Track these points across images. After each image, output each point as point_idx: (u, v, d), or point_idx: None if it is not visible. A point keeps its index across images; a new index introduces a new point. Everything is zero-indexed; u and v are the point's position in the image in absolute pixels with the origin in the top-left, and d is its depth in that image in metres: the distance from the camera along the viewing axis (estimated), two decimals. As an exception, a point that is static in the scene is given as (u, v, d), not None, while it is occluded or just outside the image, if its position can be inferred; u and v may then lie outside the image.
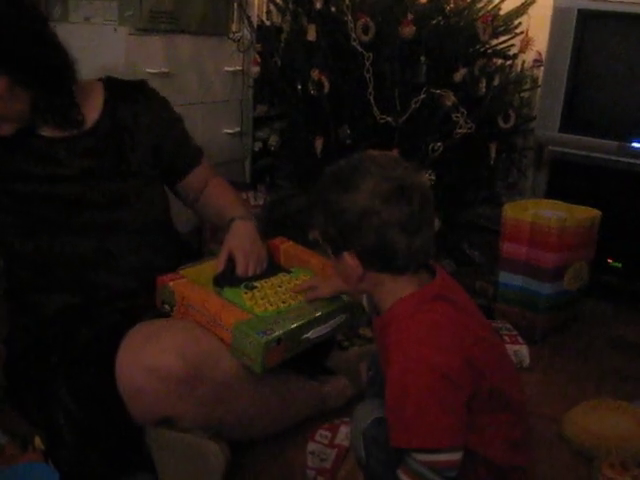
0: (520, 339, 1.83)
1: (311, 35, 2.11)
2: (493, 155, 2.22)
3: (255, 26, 2.40)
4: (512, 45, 2.30)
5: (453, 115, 2.05)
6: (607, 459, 1.33)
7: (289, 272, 1.44)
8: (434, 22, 2.16)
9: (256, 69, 2.25)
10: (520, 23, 2.27)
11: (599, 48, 2.09)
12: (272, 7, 2.55)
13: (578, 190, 2.15)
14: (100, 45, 2.02)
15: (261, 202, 2.41)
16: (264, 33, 2.37)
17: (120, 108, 1.41)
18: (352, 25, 2.04)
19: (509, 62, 2.34)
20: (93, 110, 1.39)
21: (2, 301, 1.44)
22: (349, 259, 1.02)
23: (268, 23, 2.55)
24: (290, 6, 2.29)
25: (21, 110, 1.28)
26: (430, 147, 2.07)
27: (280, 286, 1.38)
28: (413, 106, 2.04)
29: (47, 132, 1.34)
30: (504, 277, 1.98)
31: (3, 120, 1.28)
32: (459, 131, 2.06)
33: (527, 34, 2.13)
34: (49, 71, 1.28)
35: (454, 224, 2.32)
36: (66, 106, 1.32)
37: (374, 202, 0.97)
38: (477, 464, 1.04)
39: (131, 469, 1.25)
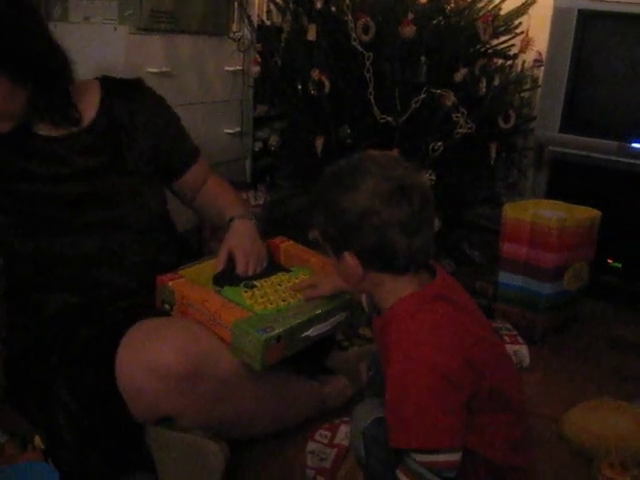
0: (520, 339, 1.83)
1: (311, 35, 2.11)
2: (493, 155, 2.22)
3: (255, 26, 2.40)
4: (512, 45, 2.30)
5: (453, 115, 2.05)
6: (607, 459, 1.33)
7: (289, 271, 1.44)
8: (434, 22, 2.16)
9: (256, 69, 2.25)
10: (520, 23, 2.27)
11: (599, 48, 2.09)
12: (272, 7, 2.55)
13: (578, 190, 2.15)
14: (100, 45, 2.01)
15: (261, 202, 2.41)
16: (264, 33, 2.37)
17: (116, 106, 1.41)
18: (352, 25, 2.03)
19: (509, 62, 2.34)
20: (90, 108, 1.39)
21: (2, 301, 1.44)
22: (349, 259, 1.02)
23: (268, 23, 2.55)
24: (290, 6, 2.29)
25: (18, 108, 1.27)
26: (430, 147, 2.07)
27: (280, 285, 1.38)
28: (413, 106, 2.04)
29: (44, 131, 1.34)
30: (504, 277, 1.98)
31: (0, 118, 1.28)
32: (459, 131, 2.06)
33: (527, 34, 2.13)
34: (47, 70, 1.28)
35: (454, 224, 2.32)
36: (63, 105, 1.32)
37: (374, 202, 0.97)
38: (477, 464, 1.04)
39: (131, 469, 1.25)
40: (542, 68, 2.22)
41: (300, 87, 2.18)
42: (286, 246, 1.53)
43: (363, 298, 1.21)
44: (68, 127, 1.35)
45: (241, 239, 1.42)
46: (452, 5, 2.21)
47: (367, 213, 0.98)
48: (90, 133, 1.38)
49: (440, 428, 0.96)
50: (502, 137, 2.30)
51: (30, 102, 1.27)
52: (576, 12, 2.05)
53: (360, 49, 2.03)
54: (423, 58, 2.06)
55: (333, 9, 2.16)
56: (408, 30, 2.00)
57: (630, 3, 2.00)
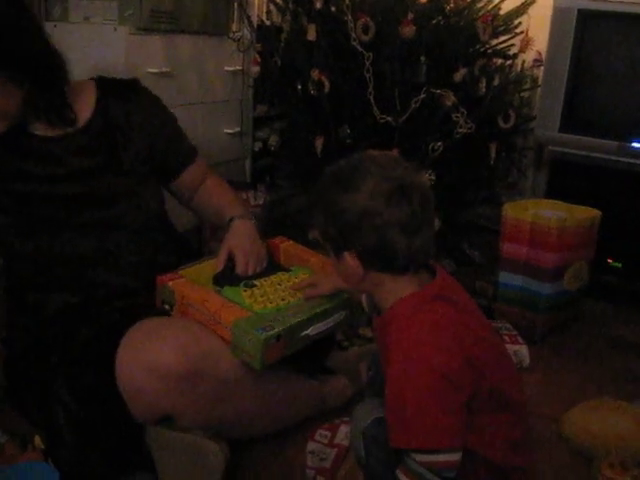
0: (520, 339, 1.83)
1: (311, 35, 2.11)
2: (493, 155, 2.22)
3: (255, 26, 2.40)
4: (512, 45, 2.29)
5: (453, 115, 2.05)
6: (607, 459, 1.33)
7: (289, 271, 1.44)
8: (434, 22, 2.16)
9: (256, 69, 2.25)
10: (520, 23, 2.26)
11: (599, 48, 2.09)
12: (272, 7, 2.55)
13: (578, 190, 2.15)
14: (100, 45, 2.01)
15: (261, 202, 2.41)
16: (264, 33, 2.37)
17: (112, 106, 1.41)
18: (352, 25, 2.03)
19: (509, 62, 2.34)
20: (85, 109, 1.39)
21: (2, 301, 1.44)
22: (350, 259, 1.02)
23: (268, 23, 2.55)
24: (290, 6, 2.29)
25: (14, 108, 1.27)
26: (430, 147, 2.07)
27: (279, 284, 1.38)
28: (413, 106, 2.04)
29: (40, 131, 1.34)
30: (504, 277, 1.98)
31: None
32: (459, 131, 2.06)
33: (527, 34, 2.13)
34: (43, 70, 1.28)
35: (454, 224, 2.32)
36: (59, 105, 1.32)
37: (374, 202, 0.97)
38: (477, 464, 1.04)
39: (131, 469, 1.25)
40: (542, 68, 2.22)
41: (300, 87, 2.17)
42: (286, 246, 1.53)
43: (363, 298, 1.21)
44: (64, 127, 1.35)
45: (241, 239, 1.42)
46: (452, 5, 2.20)
47: (367, 213, 0.98)
48: (86, 133, 1.38)
49: (440, 428, 0.96)
50: (502, 137, 2.30)
51: (26, 102, 1.27)
52: (576, 12, 2.06)
53: (360, 49, 2.03)
54: (423, 58, 2.06)
55: (333, 9, 2.16)
56: (408, 30, 2.00)
57: (630, 3, 2.00)
